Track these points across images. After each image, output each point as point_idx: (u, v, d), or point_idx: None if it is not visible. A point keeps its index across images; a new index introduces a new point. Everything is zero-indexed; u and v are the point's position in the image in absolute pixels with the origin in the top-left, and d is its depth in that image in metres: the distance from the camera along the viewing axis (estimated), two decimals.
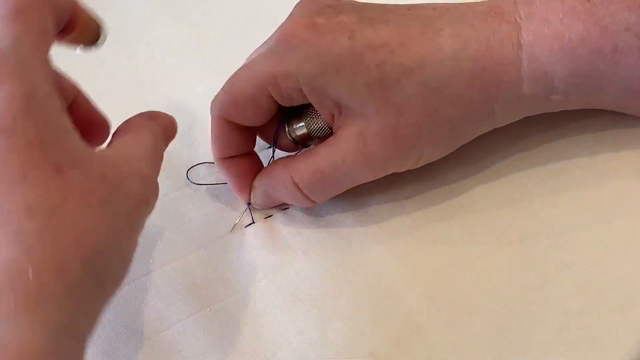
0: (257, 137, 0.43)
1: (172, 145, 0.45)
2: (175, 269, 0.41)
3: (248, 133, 0.42)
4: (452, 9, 0.39)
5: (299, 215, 0.42)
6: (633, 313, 0.37)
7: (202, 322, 0.39)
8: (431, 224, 0.41)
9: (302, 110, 0.41)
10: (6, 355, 0.25)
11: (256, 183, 0.42)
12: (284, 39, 0.38)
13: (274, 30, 0.39)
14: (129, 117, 0.37)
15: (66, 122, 0.30)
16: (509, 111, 0.39)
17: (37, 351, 0.26)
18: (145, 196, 0.32)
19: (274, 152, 0.42)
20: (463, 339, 0.38)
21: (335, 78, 0.37)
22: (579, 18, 0.37)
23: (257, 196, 0.42)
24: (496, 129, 0.40)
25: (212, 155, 0.43)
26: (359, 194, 0.42)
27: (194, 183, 0.44)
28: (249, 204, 0.42)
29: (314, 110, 0.40)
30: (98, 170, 0.30)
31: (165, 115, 0.38)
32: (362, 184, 0.41)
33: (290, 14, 0.39)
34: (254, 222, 0.43)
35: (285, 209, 0.43)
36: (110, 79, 0.50)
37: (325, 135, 0.40)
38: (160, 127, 0.36)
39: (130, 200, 0.31)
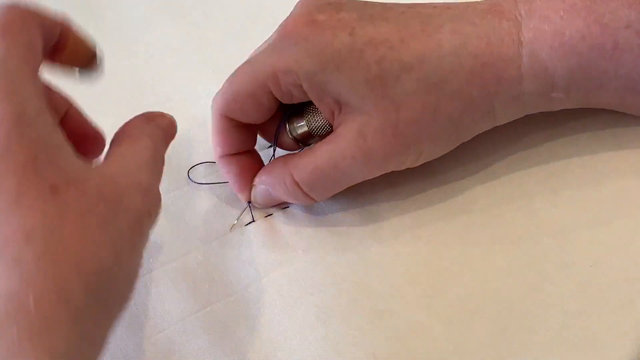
0: (258, 136, 0.43)
1: (173, 145, 0.45)
2: (175, 268, 0.41)
3: (249, 131, 0.42)
4: (452, 7, 0.39)
5: (300, 214, 0.42)
6: (633, 313, 0.37)
7: (202, 321, 0.39)
8: (431, 223, 0.41)
9: (302, 109, 0.41)
10: None
11: (256, 181, 0.42)
12: (285, 35, 0.38)
13: (274, 30, 0.39)
14: (126, 121, 0.36)
15: (60, 138, 0.29)
16: (509, 108, 0.39)
17: None
18: (147, 208, 0.31)
19: (274, 150, 0.42)
20: (463, 339, 0.38)
21: (335, 74, 0.37)
22: (579, 15, 0.37)
23: (257, 194, 0.42)
24: (496, 128, 0.40)
25: (212, 155, 0.43)
26: (359, 193, 0.42)
27: (194, 182, 0.44)
28: (249, 202, 0.42)
29: (315, 108, 0.40)
30: (95, 188, 0.29)
31: (164, 115, 0.37)
32: (363, 183, 0.41)
33: (291, 12, 0.39)
34: (254, 221, 0.42)
35: (286, 207, 0.43)
36: (110, 79, 0.49)
37: (326, 133, 0.40)
38: (159, 129, 0.36)
39: (131, 215, 0.30)
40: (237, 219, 0.43)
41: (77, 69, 0.34)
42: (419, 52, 0.37)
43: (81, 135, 0.35)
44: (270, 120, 0.41)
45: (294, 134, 0.42)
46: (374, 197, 0.42)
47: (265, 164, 0.43)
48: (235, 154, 0.42)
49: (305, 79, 0.37)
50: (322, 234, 0.42)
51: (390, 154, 0.38)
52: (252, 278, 0.40)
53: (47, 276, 0.26)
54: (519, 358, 0.37)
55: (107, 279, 0.28)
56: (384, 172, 0.40)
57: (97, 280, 0.28)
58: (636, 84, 0.38)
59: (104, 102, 0.48)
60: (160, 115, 0.37)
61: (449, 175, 0.43)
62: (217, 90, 0.41)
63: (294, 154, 0.41)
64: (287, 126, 0.41)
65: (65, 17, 0.33)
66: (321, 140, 0.40)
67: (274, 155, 0.42)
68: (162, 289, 0.40)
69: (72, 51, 0.33)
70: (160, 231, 0.42)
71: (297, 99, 0.39)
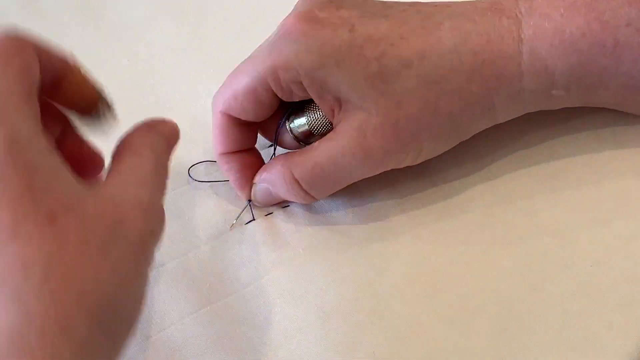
0: (259, 134, 0.43)
1: None
2: (175, 266, 0.41)
3: (249, 129, 0.42)
4: (452, 5, 0.39)
5: (300, 213, 0.42)
6: (633, 313, 0.37)
7: (203, 320, 0.39)
8: (431, 222, 0.41)
9: (303, 107, 0.41)
10: None
11: (256, 179, 0.42)
12: (285, 32, 0.38)
13: (274, 29, 0.39)
14: (127, 130, 0.34)
15: (55, 162, 0.28)
16: (510, 106, 0.39)
17: None
18: (149, 227, 0.30)
19: (275, 149, 0.42)
20: (463, 338, 0.38)
21: (334, 70, 0.37)
22: (579, 12, 0.37)
23: (257, 193, 0.42)
24: (496, 126, 0.40)
25: (212, 155, 0.43)
26: (359, 192, 0.42)
27: (194, 180, 0.44)
28: (249, 200, 0.42)
29: (315, 106, 0.40)
30: (94, 213, 0.28)
31: (165, 121, 0.36)
32: (363, 182, 0.41)
33: (292, 10, 0.39)
34: (254, 219, 0.42)
35: (286, 206, 0.43)
36: (110, 79, 0.49)
37: (327, 131, 0.40)
38: (161, 137, 0.34)
39: (132, 238, 0.29)
40: (237, 218, 0.43)
41: (76, 114, 0.33)
42: (419, 48, 0.37)
43: (79, 155, 0.34)
44: (270, 119, 0.41)
45: (295, 133, 0.42)
46: (374, 196, 0.42)
47: (266, 162, 0.43)
48: (235, 152, 0.42)
49: (305, 75, 0.37)
50: (322, 232, 0.42)
51: (390, 151, 0.38)
52: (252, 277, 0.40)
53: (49, 309, 0.25)
54: (519, 358, 0.37)
55: (110, 307, 0.27)
56: (384, 170, 0.40)
57: (100, 310, 0.27)
58: (636, 81, 0.38)
59: None
60: (162, 122, 0.35)
61: (449, 175, 0.43)
62: (217, 89, 0.41)
63: (294, 152, 0.41)
64: (288, 124, 0.42)
65: (68, 53, 0.32)
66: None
67: (274, 153, 0.42)
68: (162, 288, 0.40)
69: (72, 91, 0.32)
70: None
71: (298, 96, 0.39)
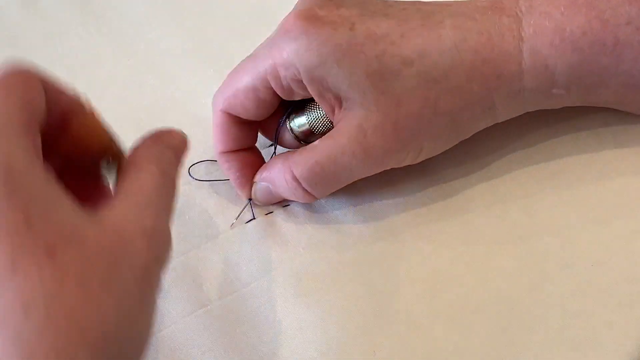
0: (259, 134, 0.43)
1: None
2: (175, 266, 0.41)
3: (249, 128, 0.42)
4: (453, 4, 0.39)
5: (300, 212, 0.42)
6: (633, 313, 0.37)
7: (203, 320, 0.39)
8: (432, 221, 0.41)
9: (304, 106, 0.41)
10: None
11: (257, 178, 0.42)
12: (285, 31, 0.38)
13: (275, 29, 0.39)
14: (134, 144, 0.33)
15: (54, 191, 0.27)
16: (510, 105, 0.39)
17: None
18: (154, 254, 0.29)
19: (275, 148, 0.42)
20: (464, 338, 0.38)
21: (335, 68, 0.37)
22: (580, 11, 0.37)
23: (257, 192, 0.42)
24: (497, 126, 0.40)
25: (212, 154, 0.43)
26: (360, 191, 0.42)
27: (195, 179, 0.44)
28: (249, 199, 0.42)
29: (316, 105, 0.40)
30: (95, 243, 0.27)
31: (173, 132, 0.34)
32: (363, 181, 0.41)
33: (292, 9, 0.39)
34: (254, 218, 0.42)
35: (286, 205, 0.43)
36: (111, 79, 0.50)
37: (327, 130, 0.40)
38: (168, 149, 0.33)
39: (136, 267, 0.28)
40: (238, 217, 0.43)
41: (83, 159, 0.31)
42: (419, 46, 0.37)
43: (84, 185, 0.33)
44: (271, 118, 0.41)
45: (295, 132, 0.42)
46: (374, 195, 0.42)
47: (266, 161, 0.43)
48: (235, 151, 0.42)
49: (305, 73, 0.37)
50: (322, 231, 0.42)
51: (390, 149, 0.38)
52: (252, 276, 0.40)
53: (50, 350, 0.24)
54: (519, 358, 0.37)
55: (115, 342, 0.26)
56: (384, 169, 0.40)
57: (104, 346, 0.26)
58: (636, 80, 0.38)
59: (104, 102, 0.48)
60: (168, 132, 0.34)
61: (449, 174, 0.43)
62: (217, 89, 0.41)
63: (294, 151, 0.41)
64: (288, 123, 0.42)
65: (82, 96, 0.31)
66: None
67: (274, 153, 0.42)
68: (163, 287, 0.40)
69: (80, 134, 0.31)
70: None
71: (298, 95, 0.39)
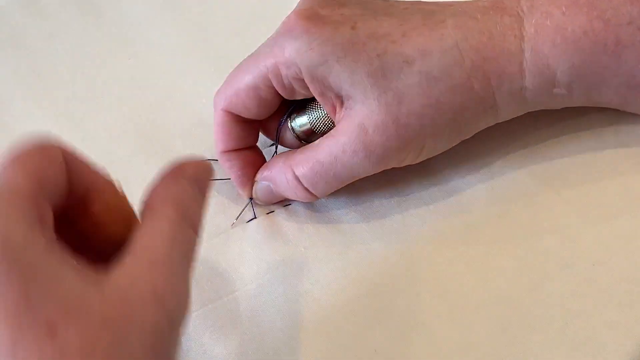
0: (261, 134, 0.43)
1: (174, 143, 0.46)
2: None
3: (251, 127, 0.42)
4: (455, 4, 0.39)
5: (301, 211, 0.42)
6: (634, 312, 0.37)
7: (204, 319, 0.39)
8: (433, 221, 0.41)
9: (305, 106, 0.41)
10: None
11: (258, 177, 0.42)
12: (286, 30, 0.38)
13: (275, 29, 0.40)
14: (151, 185, 0.30)
15: (55, 261, 0.25)
16: (511, 104, 0.39)
17: None
18: (166, 317, 0.27)
19: (276, 148, 0.42)
20: (465, 337, 0.38)
21: (336, 67, 0.37)
22: (581, 11, 0.37)
23: (259, 191, 0.42)
24: (498, 126, 0.41)
25: (213, 153, 0.43)
26: (361, 191, 0.42)
27: None
28: (250, 198, 0.42)
29: (317, 104, 0.40)
30: (99, 315, 0.25)
31: (193, 161, 0.32)
32: (364, 180, 0.40)
33: (294, 8, 0.39)
34: (255, 218, 0.42)
35: (288, 204, 0.43)
36: (111, 79, 0.50)
37: (328, 129, 0.40)
38: (189, 184, 0.31)
39: (146, 333, 0.26)
40: (239, 216, 0.42)
41: (105, 241, 0.29)
42: (420, 45, 0.37)
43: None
44: (272, 117, 0.41)
45: (297, 131, 0.42)
46: (375, 194, 0.42)
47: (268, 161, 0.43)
48: (237, 150, 0.42)
49: (307, 71, 0.37)
50: (323, 231, 0.42)
51: (391, 148, 0.38)
52: (253, 275, 0.40)
53: None
54: (520, 357, 0.37)
55: None
56: (385, 168, 0.40)
57: None
58: (638, 80, 0.38)
59: (105, 101, 0.48)
60: (189, 164, 0.31)
61: (449, 174, 0.43)
62: (217, 89, 0.41)
63: (295, 150, 0.41)
64: (290, 123, 0.42)
65: (111, 177, 0.29)
66: None
67: (275, 152, 0.42)
68: None
69: (103, 215, 0.29)
70: None
71: (299, 94, 0.39)
